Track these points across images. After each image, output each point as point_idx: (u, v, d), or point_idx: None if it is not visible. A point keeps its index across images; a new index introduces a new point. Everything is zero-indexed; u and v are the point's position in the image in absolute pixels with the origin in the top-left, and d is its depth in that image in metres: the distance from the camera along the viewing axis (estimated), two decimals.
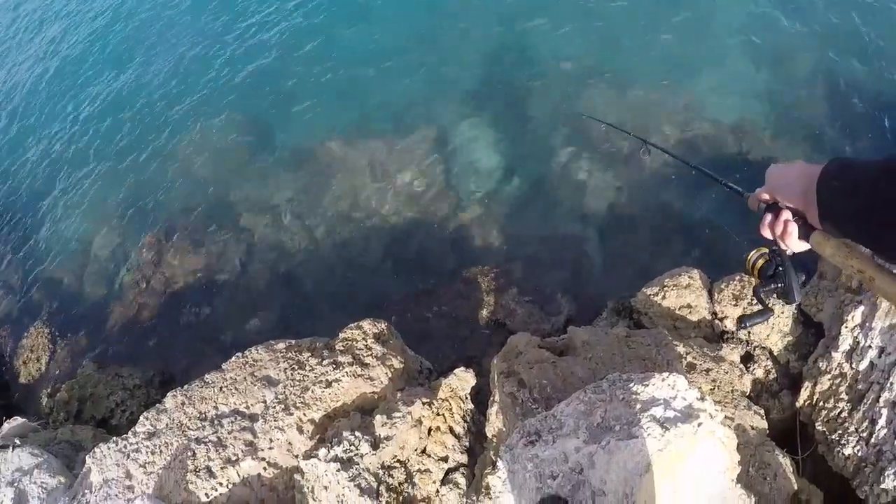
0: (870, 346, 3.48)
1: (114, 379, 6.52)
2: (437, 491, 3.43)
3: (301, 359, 4.16)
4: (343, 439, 3.45)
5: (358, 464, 3.36)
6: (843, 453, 3.42)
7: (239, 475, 3.65)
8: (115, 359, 7.23)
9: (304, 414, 3.84)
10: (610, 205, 7.03)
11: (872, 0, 8.41)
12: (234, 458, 3.68)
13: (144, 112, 10.70)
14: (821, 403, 3.70)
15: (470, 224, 7.28)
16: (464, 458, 3.64)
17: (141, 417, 4.07)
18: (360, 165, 8.26)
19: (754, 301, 4.36)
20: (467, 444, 3.73)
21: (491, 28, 9.48)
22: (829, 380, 3.70)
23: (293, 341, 4.38)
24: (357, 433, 3.48)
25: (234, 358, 4.28)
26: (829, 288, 4.16)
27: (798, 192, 1.28)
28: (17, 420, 5.35)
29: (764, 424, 3.66)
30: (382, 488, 3.32)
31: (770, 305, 1.78)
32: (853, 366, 3.56)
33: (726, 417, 3.44)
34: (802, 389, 3.86)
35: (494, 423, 3.37)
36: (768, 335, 4.27)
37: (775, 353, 4.27)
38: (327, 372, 4.02)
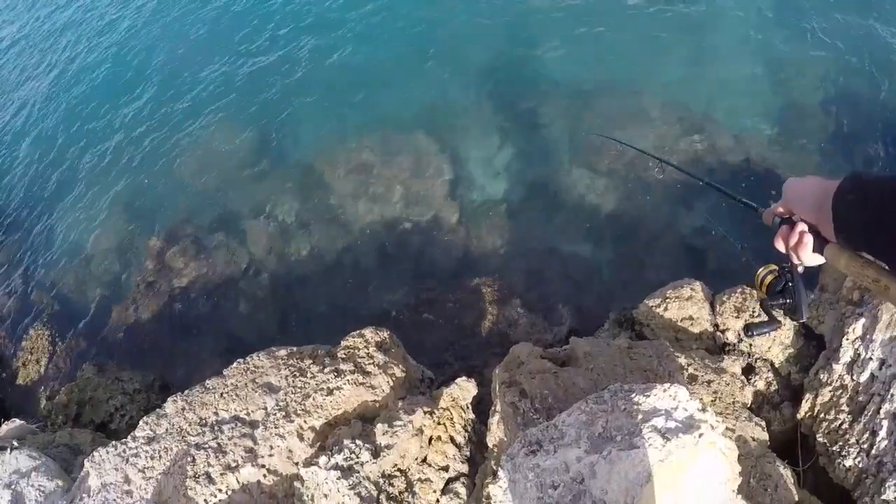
0: (871, 358, 3.48)
1: (113, 383, 6.51)
2: (438, 500, 3.42)
3: (302, 366, 4.16)
4: (344, 447, 3.45)
5: (358, 472, 3.35)
6: (843, 465, 3.42)
7: (238, 482, 3.64)
8: (116, 362, 7.23)
9: (305, 421, 3.83)
10: (612, 217, 7.06)
11: (880, 11, 8.47)
12: (233, 465, 3.68)
13: (147, 118, 10.72)
14: (822, 415, 3.70)
15: (473, 234, 7.30)
16: (464, 468, 3.63)
17: (141, 422, 4.06)
18: (363, 173, 8.29)
19: (756, 313, 4.36)
20: (468, 453, 3.73)
21: (496, 42, 9.52)
22: (831, 391, 3.70)
23: (295, 348, 4.38)
24: (358, 441, 3.47)
25: (235, 364, 4.28)
26: (830, 300, 4.16)
27: (813, 205, 1.30)
28: (16, 422, 5.33)
29: (765, 436, 3.66)
30: (383, 497, 3.32)
31: (777, 318, 1.79)
32: (854, 377, 3.56)
33: (727, 429, 3.44)
34: (803, 401, 3.86)
35: (496, 433, 3.37)
36: (769, 347, 4.27)
37: (776, 365, 4.27)
38: (329, 379, 4.02)
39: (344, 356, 4.21)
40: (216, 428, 3.89)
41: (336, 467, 3.36)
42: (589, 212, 7.14)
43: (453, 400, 3.83)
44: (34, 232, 9.78)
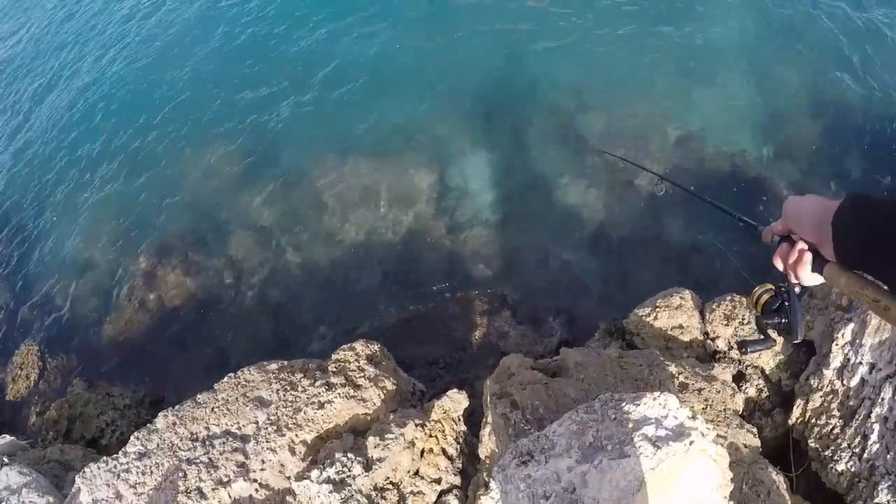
0: (860, 363, 3.50)
1: (104, 398, 6.46)
2: None
3: (293, 380, 4.15)
4: (335, 461, 3.43)
5: (350, 485, 3.34)
6: (836, 469, 3.43)
7: (230, 497, 3.61)
8: (106, 378, 7.17)
9: (297, 435, 3.82)
10: (602, 228, 7.09)
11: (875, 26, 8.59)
12: (225, 480, 3.65)
13: (140, 132, 10.67)
14: (813, 420, 3.72)
15: (464, 246, 7.31)
16: (457, 480, 3.62)
17: (132, 437, 4.04)
18: (354, 187, 8.29)
19: (745, 320, 4.39)
20: (460, 465, 3.72)
21: (489, 55, 9.53)
22: (821, 397, 3.72)
23: (285, 362, 4.36)
24: (349, 454, 3.46)
25: (226, 378, 4.25)
26: (819, 306, 4.19)
27: (814, 224, 1.30)
28: (6, 438, 5.28)
29: (757, 442, 3.67)
30: None
31: (771, 337, 1.80)
32: (844, 382, 3.58)
33: (719, 436, 3.44)
34: (795, 407, 3.87)
35: (487, 445, 3.37)
36: (760, 354, 4.29)
37: (767, 372, 4.28)
38: (320, 393, 4.00)
39: (335, 369, 4.20)
40: (207, 443, 3.86)
41: (328, 481, 3.35)
42: (579, 224, 7.17)
43: (445, 412, 3.83)
44: (25, 247, 9.71)
